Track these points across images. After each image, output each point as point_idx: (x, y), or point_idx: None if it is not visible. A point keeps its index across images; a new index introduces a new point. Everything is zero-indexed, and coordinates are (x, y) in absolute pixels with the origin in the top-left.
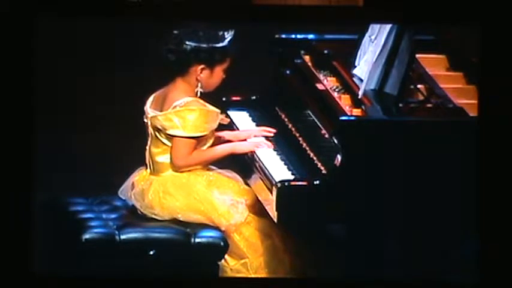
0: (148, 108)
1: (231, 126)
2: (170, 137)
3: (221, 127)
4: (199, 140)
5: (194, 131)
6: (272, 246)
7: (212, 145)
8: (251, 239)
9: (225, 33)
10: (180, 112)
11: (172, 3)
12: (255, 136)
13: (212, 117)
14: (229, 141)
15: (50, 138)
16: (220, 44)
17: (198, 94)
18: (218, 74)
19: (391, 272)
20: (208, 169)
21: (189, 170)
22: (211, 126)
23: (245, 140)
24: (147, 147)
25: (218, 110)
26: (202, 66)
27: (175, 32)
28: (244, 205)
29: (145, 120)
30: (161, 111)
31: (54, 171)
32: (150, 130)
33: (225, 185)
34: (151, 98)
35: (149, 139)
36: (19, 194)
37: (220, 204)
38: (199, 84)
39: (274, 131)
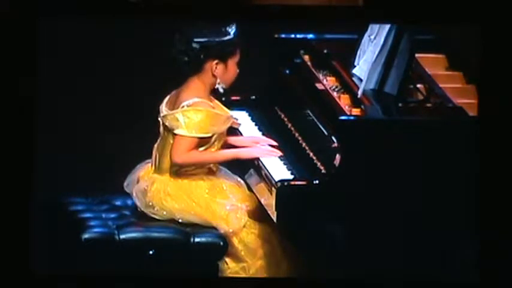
0: (163, 107)
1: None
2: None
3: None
4: (204, 141)
5: (197, 131)
6: (271, 251)
7: (221, 148)
8: (250, 244)
9: (228, 27)
10: (186, 112)
11: (173, 3)
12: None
13: (219, 120)
14: (232, 145)
15: (50, 138)
16: (228, 37)
17: (221, 90)
18: (232, 67)
19: (391, 272)
20: (212, 174)
21: (192, 174)
22: (218, 129)
23: (248, 146)
24: (156, 145)
25: (229, 114)
26: (216, 61)
27: (179, 33)
28: (244, 210)
29: (158, 119)
30: (172, 110)
31: (54, 171)
32: (161, 129)
33: (227, 190)
34: (167, 98)
35: (159, 138)
36: (19, 194)
37: (219, 209)
38: (218, 80)
39: (276, 144)
